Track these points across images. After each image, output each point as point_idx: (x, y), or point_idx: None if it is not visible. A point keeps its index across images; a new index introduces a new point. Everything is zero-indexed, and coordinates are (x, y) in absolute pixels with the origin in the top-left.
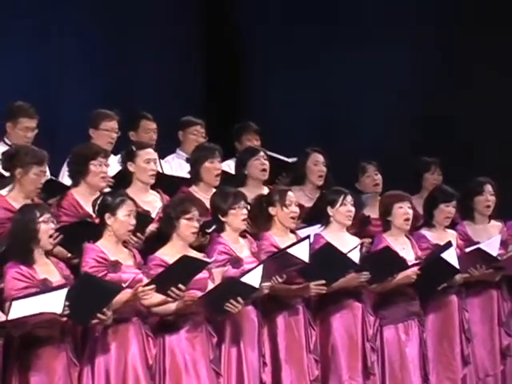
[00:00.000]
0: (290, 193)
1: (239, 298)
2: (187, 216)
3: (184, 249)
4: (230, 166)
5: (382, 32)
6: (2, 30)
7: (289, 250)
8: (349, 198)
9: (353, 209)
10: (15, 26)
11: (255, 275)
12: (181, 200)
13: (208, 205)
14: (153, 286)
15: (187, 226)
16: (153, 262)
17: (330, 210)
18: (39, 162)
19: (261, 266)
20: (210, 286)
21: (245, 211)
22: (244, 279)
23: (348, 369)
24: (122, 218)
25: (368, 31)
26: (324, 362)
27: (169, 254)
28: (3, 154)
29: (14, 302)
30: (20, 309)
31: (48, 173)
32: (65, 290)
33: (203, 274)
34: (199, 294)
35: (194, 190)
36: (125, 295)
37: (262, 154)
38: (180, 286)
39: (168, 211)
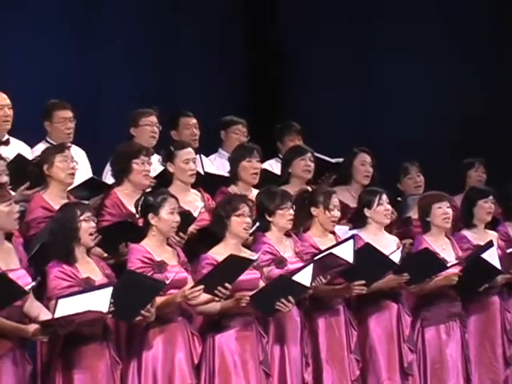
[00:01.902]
0: (334, 196)
1: (290, 297)
2: (237, 213)
3: (237, 247)
4: (271, 165)
5: (422, 31)
6: (45, 30)
7: (333, 251)
8: (384, 196)
9: (389, 207)
10: (57, 26)
11: (305, 275)
12: (229, 198)
13: None
14: (201, 287)
15: (239, 223)
16: (205, 261)
17: (367, 212)
18: (60, 150)
19: (311, 266)
20: (261, 286)
21: (291, 212)
22: (294, 278)
23: (386, 369)
24: (166, 217)
25: (407, 30)
26: (362, 363)
27: (221, 253)
28: (31, 162)
29: (59, 301)
30: (66, 307)
31: (89, 167)
32: (110, 289)
33: (254, 275)
34: (249, 294)
35: (232, 189)
36: (172, 296)
37: (309, 154)
38: (226, 285)
39: (218, 211)
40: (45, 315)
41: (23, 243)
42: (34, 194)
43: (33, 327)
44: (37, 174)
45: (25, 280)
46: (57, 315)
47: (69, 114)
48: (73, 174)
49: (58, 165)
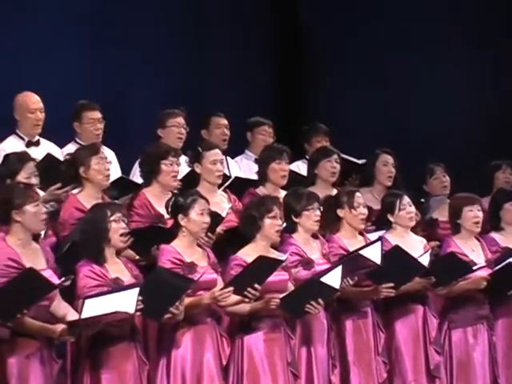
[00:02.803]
0: (357, 194)
1: (320, 300)
2: (271, 214)
3: (266, 249)
4: (298, 166)
5: (450, 30)
6: (72, 32)
7: (361, 252)
8: (405, 200)
9: (412, 209)
10: (84, 27)
11: (334, 277)
12: (262, 199)
13: None
14: (231, 289)
15: (271, 225)
16: (234, 262)
17: (390, 217)
18: (95, 152)
19: (339, 268)
20: (290, 287)
21: (318, 213)
22: (324, 280)
23: (412, 371)
24: (196, 218)
25: (435, 28)
26: (388, 365)
27: (251, 254)
28: (64, 163)
29: (86, 301)
30: (93, 307)
31: (119, 169)
32: (137, 290)
33: (283, 276)
34: (279, 296)
35: (260, 190)
36: (201, 298)
37: (335, 156)
38: (256, 285)
39: (250, 212)
40: (72, 315)
41: (56, 243)
42: (66, 194)
43: (60, 327)
44: (71, 175)
45: (52, 280)
46: (83, 315)
47: (98, 114)
48: (108, 176)
49: (95, 167)
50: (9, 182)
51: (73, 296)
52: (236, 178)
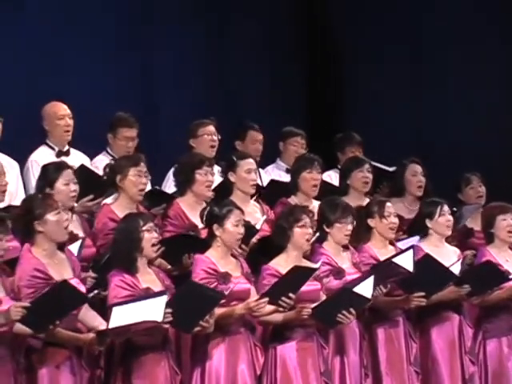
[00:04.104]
0: (388, 204)
1: (352, 309)
2: (300, 224)
3: (298, 259)
4: (330, 176)
5: (485, 34)
6: (106, 44)
7: (393, 260)
8: (445, 207)
9: (451, 218)
10: (116, 37)
11: (366, 286)
12: (291, 209)
13: None
14: (266, 299)
15: (301, 234)
16: (267, 272)
17: (428, 223)
18: (135, 163)
19: (371, 278)
20: (322, 297)
21: (350, 227)
22: (356, 290)
23: (449, 381)
24: (231, 229)
25: (470, 37)
26: (424, 374)
27: (283, 264)
28: (105, 169)
29: (113, 309)
30: (120, 316)
31: (149, 178)
32: (164, 297)
33: (315, 286)
34: (311, 305)
35: (292, 200)
36: (234, 308)
37: (366, 165)
38: (290, 295)
39: (280, 222)
40: (100, 324)
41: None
42: (98, 205)
43: (89, 336)
44: (110, 181)
45: (79, 289)
46: (111, 324)
47: (133, 133)
48: (143, 191)
49: (132, 178)
50: (33, 194)
51: (104, 305)
52: (272, 180)
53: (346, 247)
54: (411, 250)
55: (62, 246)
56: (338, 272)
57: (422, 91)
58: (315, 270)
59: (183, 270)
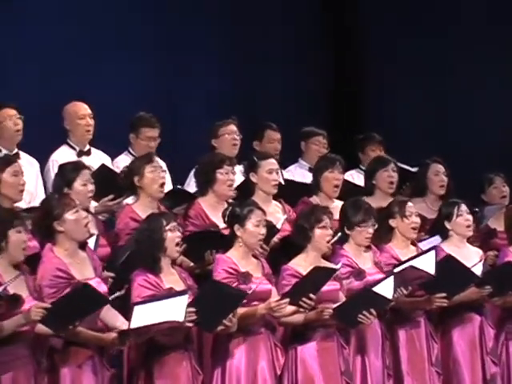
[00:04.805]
0: (409, 203)
1: (372, 310)
2: (321, 225)
3: (317, 259)
4: (352, 176)
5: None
6: (127, 42)
7: (414, 262)
8: (463, 207)
9: (470, 217)
10: (138, 38)
11: (386, 287)
12: (312, 209)
13: None
14: (287, 300)
15: (322, 235)
16: (286, 272)
17: (447, 225)
18: (149, 160)
19: (391, 278)
20: (341, 297)
21: (371, 230)
22: (376, 290)
23: (469, 382)
24: (252, 229)
25: (488, 38)
26: (445, 375)
27: (302, 264)
28: (120, 175)
29: (135, 307)
30: (142, 315)
31: (169, 178)
32: (185, 297)
33: (334, 286)
34: (332, 306)
35: (314, 199)
36: (255, 308)
37: (391, 165)
38: (311, 295)
39: (300, 223)
40: (121, 323)
41: (110, 253)
42: (119, 205)
43: (111, 336)
44: (128, 185)
45: (100, 289)
46: (133, 323)
47: (155, 133)
48: (163, 185)
49: (149, 175)
50: (50, 195)
51: (125, 305)
52: (290, 181)
53: (367, 247)
54: (433, 252)
55: (83, 245)
56: (358, 273)
57: (447, 91)
58: (336, 270)
59: (205, 267)
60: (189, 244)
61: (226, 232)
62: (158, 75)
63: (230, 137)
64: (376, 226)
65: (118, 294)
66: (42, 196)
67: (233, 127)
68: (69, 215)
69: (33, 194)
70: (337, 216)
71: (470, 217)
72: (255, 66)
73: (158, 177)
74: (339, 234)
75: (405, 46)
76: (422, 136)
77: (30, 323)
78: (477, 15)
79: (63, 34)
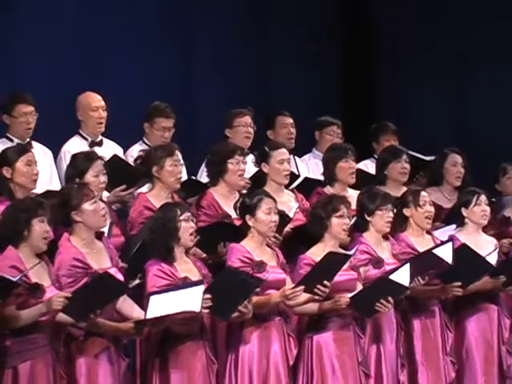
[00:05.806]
0: (423, 193)
1: (390, 298)
2: (338, 214)
3: (335, 248)
4: (367, 165)
5: None
6: (142, 34)
7: (433, 251)
8: (482, 197)
9: (487, 208)
10: (147, 29)
11: (402, 274)
12: (329, 199)
13: None
14: (301, 287)
15: (339, 224)
16: (303, 261)
17: (464, 212)
18: (171, 153)
19: (407, 265)
20: (358, 287)
21: (391, 214)
22: (393, 278)
23: (483, 373)
24: (263, 217)
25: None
26: (458, 366)
27: (320, 254)
28: (136, 160)
29: (151, 297)
30: (158, 305)
31: (184, 169)
32: (202, 287)
33: (351, 275)
34: (348, 295)
35: (328, 190)
36: (269, 297)
37: (404, 156)
38: (325, 282)
39: (317, 211)
40: (137, 313)
41: (124, 242)
42: (131, 195)
43: (127, 326)
44: (142, 171)
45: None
46: (149, 313)
47: (169, 123)
48: (180, 179)
49: (168, 168)
50: (69, 184)
51: (141, 294)
52: (305, 178)
53: (385, 238)
54: (450, 243)
55: (100, 235)
56: (377, 261)
57: (465, 80)
58: (350, 256)
59: (218, 259)
60: (202, 235)
61: (239, 222)
62: (173, 65)
63: (244, 129)
64: (394, 211)
65: (137, 281)
66: (57, 184)
67: (248, 119)
68: (87, 205)
69: (47, 182)
70: (353, 206)
71: (488, 208)
72: (271, 56)
73: (177, 171)
74: (354, 218)
75: (422, 36)
76: (437, 126)
77: (51, 312)
78: (492, 11)
79: (78, 23)
